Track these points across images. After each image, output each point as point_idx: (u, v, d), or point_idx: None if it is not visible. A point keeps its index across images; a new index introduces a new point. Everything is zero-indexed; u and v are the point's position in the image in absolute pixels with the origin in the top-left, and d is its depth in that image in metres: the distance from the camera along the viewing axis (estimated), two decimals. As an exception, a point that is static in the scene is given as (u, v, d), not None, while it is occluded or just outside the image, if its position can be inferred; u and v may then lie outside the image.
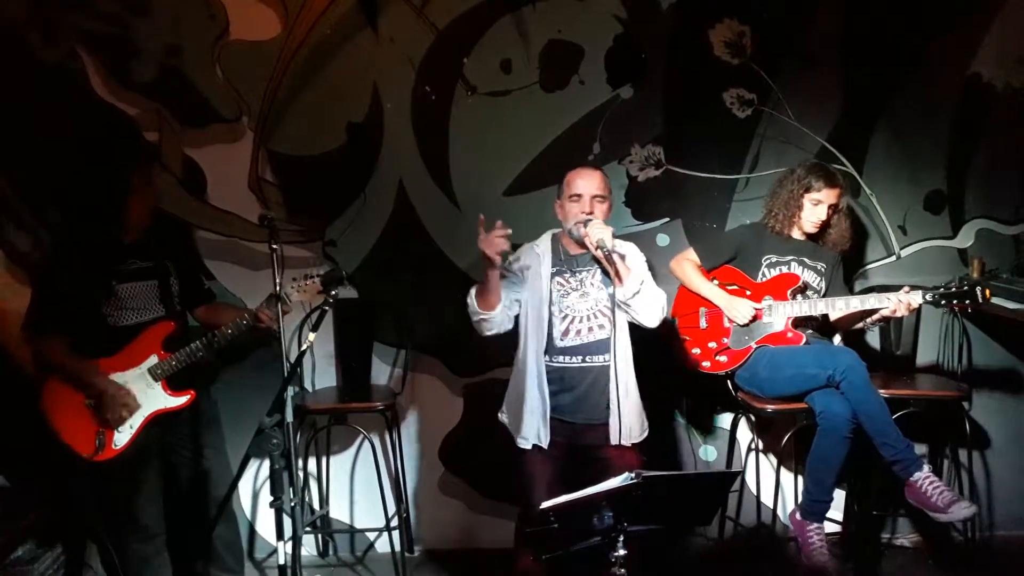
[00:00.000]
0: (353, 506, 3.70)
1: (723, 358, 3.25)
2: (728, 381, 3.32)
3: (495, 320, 2.85)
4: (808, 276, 3.26)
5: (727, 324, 3.26)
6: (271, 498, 2.46)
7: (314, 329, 2.64)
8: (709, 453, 3.68)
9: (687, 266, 3.33)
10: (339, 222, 3.57)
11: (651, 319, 2.82)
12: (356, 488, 3.69)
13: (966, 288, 2.98)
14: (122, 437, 2.87)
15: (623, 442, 2.85)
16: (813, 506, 3.09)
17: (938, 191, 3.60)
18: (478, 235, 2.70)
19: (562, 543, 2.23)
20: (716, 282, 3.31)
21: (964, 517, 2.98)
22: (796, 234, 3.30)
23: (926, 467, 2.98)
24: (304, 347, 2.70)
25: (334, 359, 3.63)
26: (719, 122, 3.55)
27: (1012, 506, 3.62)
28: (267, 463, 2.46)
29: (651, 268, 3.21)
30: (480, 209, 2.85)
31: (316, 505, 3.66)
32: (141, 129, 3.47)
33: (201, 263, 3.48)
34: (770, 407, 3.16)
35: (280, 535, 2.49)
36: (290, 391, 2.52)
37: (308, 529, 3.59)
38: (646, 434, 2.96)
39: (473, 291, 2.85)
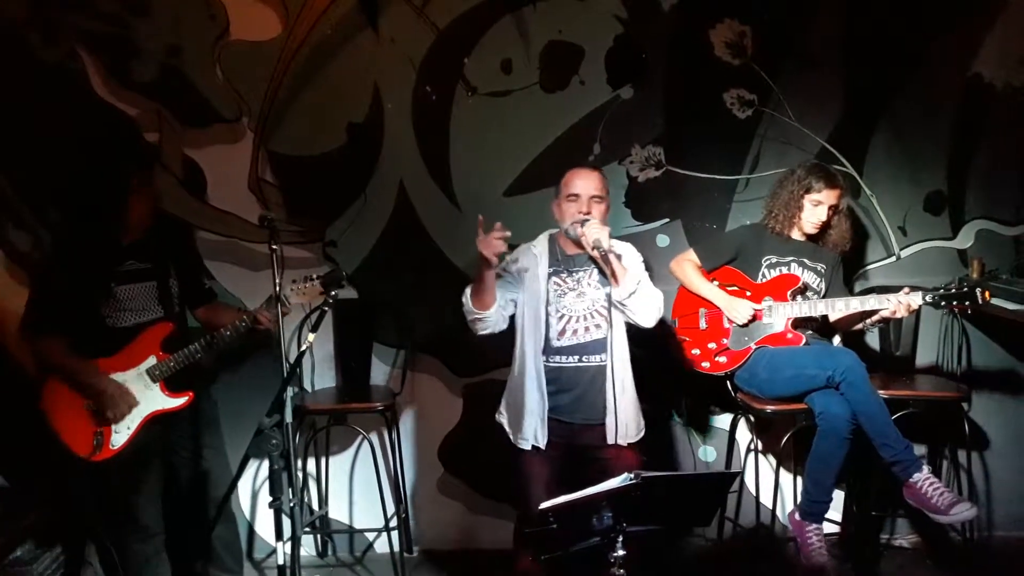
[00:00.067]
0: (352, 506, 3.70)
1: (723, 359, 3.25)
2: (727, 382, 3.32)
3: (490, 320, 2.85)
4: (808, 277, 3.26)
5: (727, 325, 3.26)
6: (270, 498, 2.46)
7: (314, 329, 2.64)
8: (708, 454, 3.68)
9: (687, 267, 3.33)
10: (339, 223, 3.57)
11: (648, 319, 2.82)
12: (355, 488, 3.69)
13: (966, 289, 2.98)
14: (120, 438, 2.87)
15: (620, 441, 2.86)
16: (812, 507, 3.09)
17: (938, 192, 3.60)
18: (477, 235, 2.70)
19: (561, 543, 2.23)
20: (716, 283, 3.31)
21: (965, 519, 2.98)
22: (796, 235, 3.30)
23: (925, 468, 2.98)
24: (304, 347, 2.70)
25: (334, 359, 3.63)
26: (719, 123, 3.54)
27: (1011, 507, 3.62)
28: (266, 463, 2.46)
29: (651, 269, 3.22)
30: (480, 209, 2.86)
31: (315, 505, 3.66)
32: (141, 129, 3.47)
33: (201, 263, 3.48)
34: (769, 408, 3.16)
35: (279, 535, 2.49)
36: (289, 391, 2.52)
37: (307, 529, 3.60)
38: (643, 433, 2.96)
39: (468, 290, 2.86)
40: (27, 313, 2.91)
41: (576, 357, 2.89)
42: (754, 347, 3.20)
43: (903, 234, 3.61)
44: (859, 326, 3.26)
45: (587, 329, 2.89)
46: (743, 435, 3.53)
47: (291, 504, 2.49)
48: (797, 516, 3.13)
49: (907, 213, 3.60)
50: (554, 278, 2.92)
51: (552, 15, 3.49)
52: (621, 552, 2.21)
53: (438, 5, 3.48)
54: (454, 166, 3.56)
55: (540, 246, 2.98)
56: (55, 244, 3.39)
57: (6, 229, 3.46)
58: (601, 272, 2.85)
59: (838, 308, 3.15)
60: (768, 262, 3.28)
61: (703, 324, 3.29)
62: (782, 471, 3.47)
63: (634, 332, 2.95)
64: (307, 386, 3.60)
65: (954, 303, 3.00)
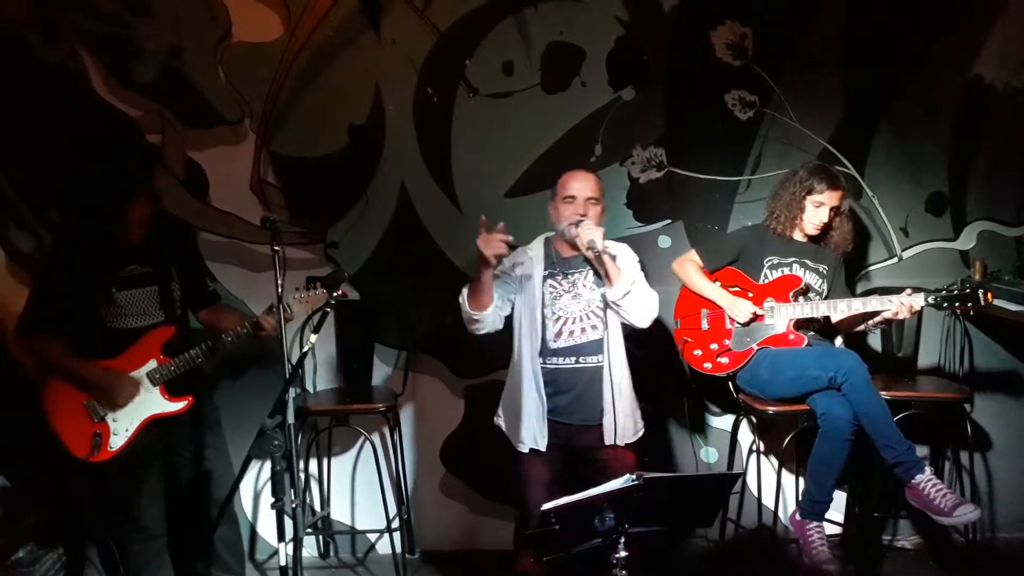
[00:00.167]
0: (354, 507, 3.70)
1: (725, 359, 3.25)
2: (729, 383, 3.32)
3: (486, 320, 2.86)
4: (810, 278, 3.26)
5: (729, 326, 3.26)
6: (272, 499, 2.45)
7: (316, 331, 2.64)
8: (710, 455, 3.68)
9: (689, 267, 3.33)
10: (341, 224, 3.57)
11: (642, 320, 2.84)
12: (357, 489, 3.69)
13: (968, 290, 2.98)
14: (118, 440, 2.87)
15: (618, 442, 2.86)
16: (813, 506, 3.08)
17: (940, 193, 3.60)
18: (478, 235, 2.70)
19: (563, 545, 2.23)
20: (718, 283, 3.31)
21: (968, 521, 2.98)
22: (798, 236, 3.29)
23: (928, 469, 2.98)
24: (306, 349, 2.71)
25: (336, 360, 3.63)
26: (721, 124, 3.54)
27: (1013, 508, 3.61)
28: (268, 464, 2.47)
29: (653, 270, 3.23)
30: (482, 211, 2.85)
31: (317, 506, 3.66)
32: (144, 131, 3.47)
33: (204, 265, 3.47)
34: (771, 409, 3.15)
35: (281, 536, 2.48)
36: (292, 392, 2.51)
37: (309, 530, 3.59)
38: (641, 433, 2.97)
39: (465, 290, 2.86)
40: (25, 313, 2.91)
41: (573, 358, 2.90)
42: (756, 348, 3.20)
43: (905, 235, 3.61)
44: (861, 327, 3.26)
45: (583, 330, 2.90)
46: (745, 436, 3.52)
47: (293, 505, 2.48)
48: (798, 516, 3.13)
49: (909, 214, 3.60)
50: (550, 280, 2.93)
51: (553, 17, 3.49)
52: (623, 553, 2.21)
53: (439, 7, 3.48)
54: (455, 167, 3.57)
55: (535, 249, 3.00)
56: (56, 245, 3.39)
57: (7, 230, 3.46)
58: (597, 274, 2.86)
59: (840, 309, 3.15)
60: (770, 263, 3.28)
61: (705, 325, 3.29)
62: (784, 472, 3.47)
63: (635, 333, 2.96)
64: (309, 387, 3.60)
65: (956, 304, 2.99)
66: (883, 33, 3.50)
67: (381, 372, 3.64)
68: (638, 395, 3.01)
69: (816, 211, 3.22)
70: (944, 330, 3.58)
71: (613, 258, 2.81)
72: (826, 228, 3.26)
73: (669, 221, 3.61)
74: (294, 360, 2.73)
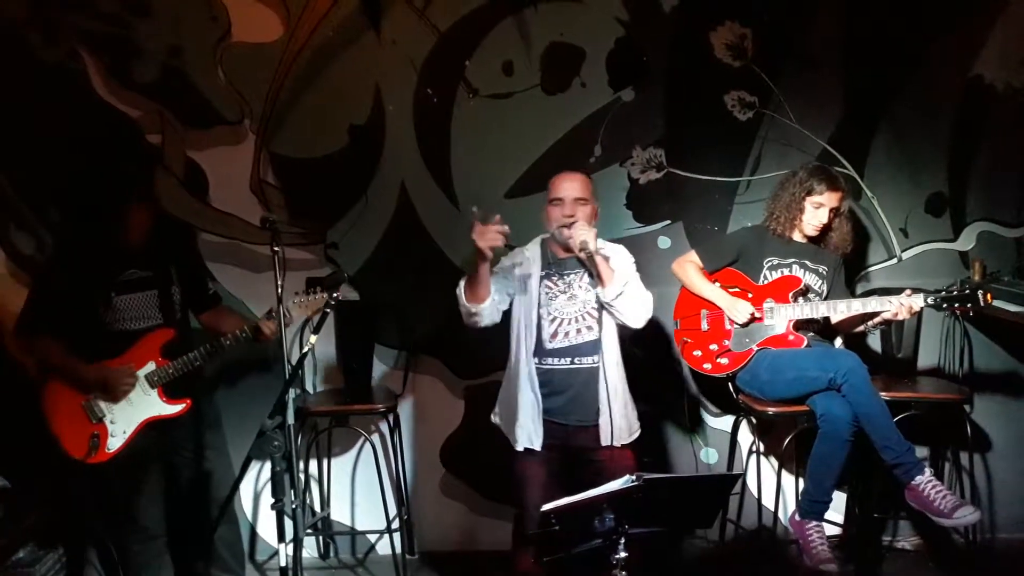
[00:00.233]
0: (354, 508, 3.70)
1: (724, 360, 3.25)
2: (729, 383, 3.32)
3: (484, 313, 2.86)
4: (810, 279, 3.26)
5: (728, 326, 3.26)
6: (272, 500, 2.45)
7: (315, 331, 2.65)
8: (710, 456, 3.68)
9: (689, 268, 3.33)
10: (341, 224, 3.57)
11: (636, 320, 2.85)
12: (357, 490, 3.69)
13: (967, 291, 2.98)
14: (116, 441, 2.87)
15: (614, 443, 2.86)
16: (812, 506, 3.08)
17: (939, 193, 3.60)
18: (472, 228, 2.71)
19: (563, 545, 2.23)
20: (718, 284, 3.31)
21: (968, 522, 2.98)
22: (797, 237, 3.29)
23: (928, 470, 2.98)
24: (305, 349, 2.70)
25: (335, 361, 3.62)
26: (720, 124, 3.55)
27: (1013, 509, 3.61)
28: (268, 465, 2.47)
29: (652, 271, 3.23)
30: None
31: (317, 507, 3.66)
32: (144, 131, 3.47)
33: (204, 267, 3.47)
34: (771, 409, 3.16)
35: (281, 537, 2.48)
36: (291, 393, 2.51)
37: (309, 531, 3.59)
38: (637, 434, 2.97)
39: (463, 284, 2.87)
40: (24, 313, 2.92)
41: (568, 359, 2.90)
42: (756, 349, 3.20)
43: (904, 236, 3.61)
44: (861, 328, 3.26)
45: (579, 331, 2.90)
46: (745, 437, 3.52)
47: (293, 506, 2.48)
48: (797, 516, 3.13)
49: (908, 215, 3.60)
50: (545, 281, 2.94)
51: (553, 17, 3.49)
52: (623, 554, 2.21)
53: (439, 7, 3.48)
54: (455, 168, 3.57)
55: (532, 250, 3.01)
56: (55, 246, 3.39)
57: (8, 230, 3.46)
58: (591, 275, 2.86)
59: (840, 310, 3.15)
60: (770, 264, 3.28)
61: (705, 325, 3.29)
62: (784, 473, 3.47)
63: (635, 333, 2.96)
64: (309, 388, 3.59)
65: (956, 305, 2.99)
66: (882, 33, 3.50)
67: (381, 372, 3.64)
68: (638, 396, 3.02)
69: (815, 212, 3.22)
70: (944, 331, 3.58)
71: (606, 259, 2.83)
72: (825, 229, 3.26)
73: (669, 222, 3.61)
74: (294, 361, 2.74)
